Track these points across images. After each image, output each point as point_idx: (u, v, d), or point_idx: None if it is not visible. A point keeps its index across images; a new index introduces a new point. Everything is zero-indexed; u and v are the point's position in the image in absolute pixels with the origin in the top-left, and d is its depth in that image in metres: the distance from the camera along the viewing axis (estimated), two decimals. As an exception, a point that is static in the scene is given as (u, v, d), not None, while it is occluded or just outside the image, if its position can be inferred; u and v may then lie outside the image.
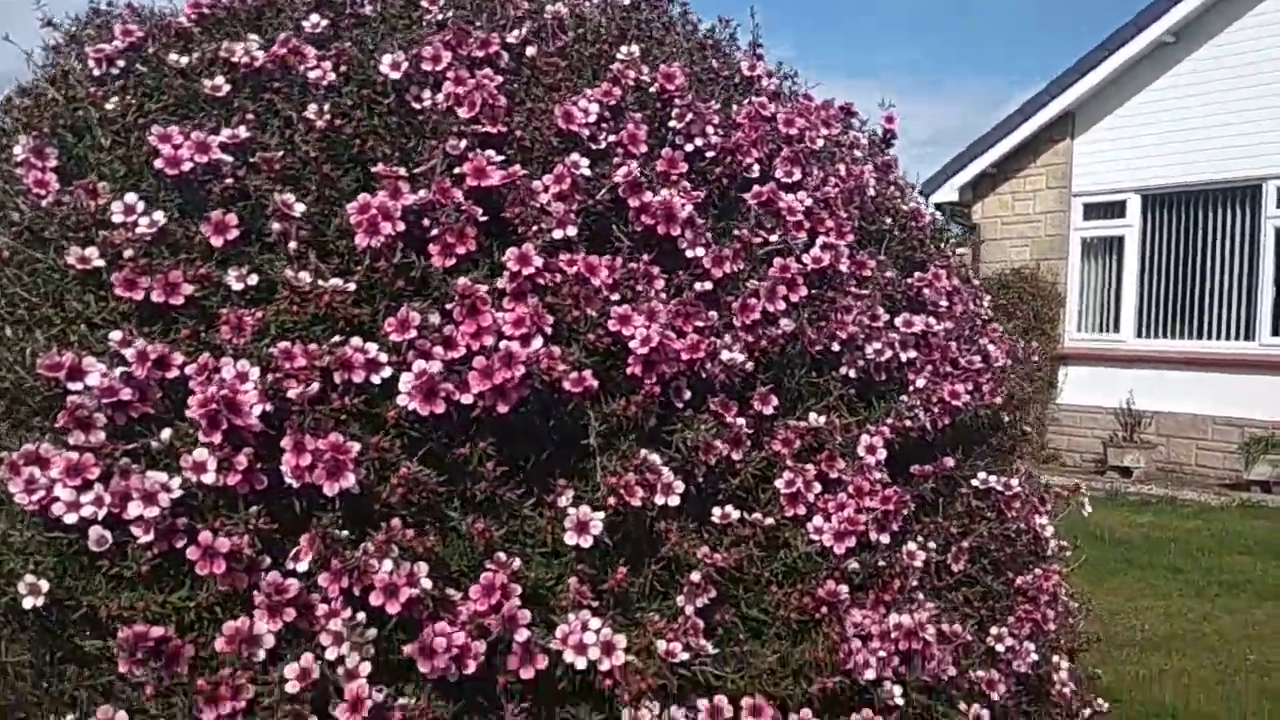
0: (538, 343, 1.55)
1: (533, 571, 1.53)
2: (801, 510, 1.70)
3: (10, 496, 1.39)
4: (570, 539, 1.50)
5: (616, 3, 2.06)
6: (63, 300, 1.57)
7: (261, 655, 1.38)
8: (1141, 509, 9.16)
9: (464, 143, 1.61)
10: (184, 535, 1.39)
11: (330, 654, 1.37)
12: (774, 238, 1.79)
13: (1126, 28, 11.29)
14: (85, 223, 1.59)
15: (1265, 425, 10.21)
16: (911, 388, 1.93)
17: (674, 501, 1.58)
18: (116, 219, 1.55)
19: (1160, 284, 11.63)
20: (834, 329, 1.83)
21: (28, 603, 1.39)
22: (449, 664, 1.37)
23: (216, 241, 1.54)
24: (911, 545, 1.80)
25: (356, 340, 1.48)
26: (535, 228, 1.61)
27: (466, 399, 1.49)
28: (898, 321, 1.94)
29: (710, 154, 1.84)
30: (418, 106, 1.69)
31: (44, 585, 1.39)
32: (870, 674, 1.67)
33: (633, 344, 1.57)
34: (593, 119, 1.72)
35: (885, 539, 1.75)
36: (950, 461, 1.89)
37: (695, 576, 1.59)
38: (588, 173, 1.66)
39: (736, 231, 1.77)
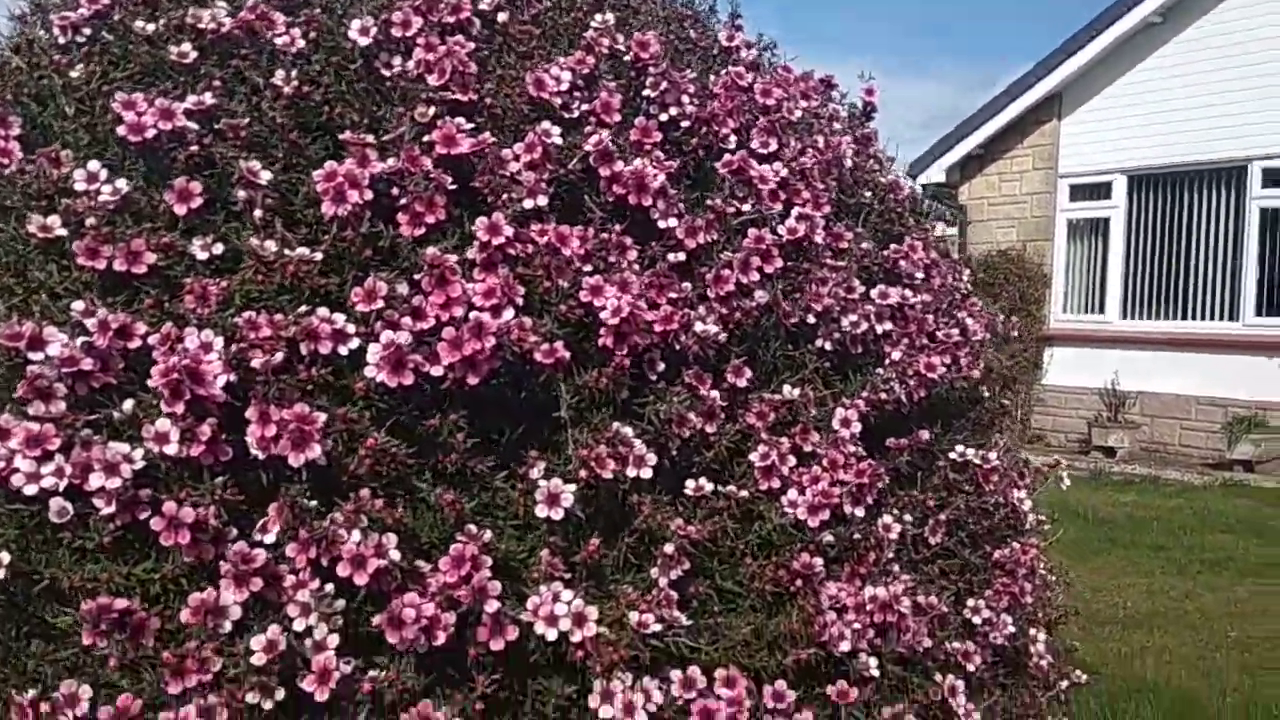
0: (509, 314, 1.53)
1: (504, 544, 1.52)
2: (776, 483, 1.69)
3: (-30, 467, 1.37)
4: (541, 511, 1.49)
5: (593, -30, 2.04)
6: (25, 270, 1.55)
7: (228, 627, 1.36)
8: (1125, 488, 9.21)
9: (433, 110, 1.59)
10: (148, 507, 1.37)
11: (298, 625, 1.36)
12: (746, 207, 1.77)
13: (1115, 7, 11.29)
14: (48, 191, 1.56)
15: (1248, 405, 10.27)
16: (888, 360, 1.92)
17: (646, 474, 1.56)
18: (79, 187, 1.52)
19: (1145, 265, 11.67)
20: (809, 301, 1.82)
21: (-11, 575, 1.37)
22: (418, 635, 1.36)
23: (180, 209, 1.51)
24: (887, 518, 1.79)
25: (323, 311, 1.46)
26: (505, 197, 1.58)
27: (436, 371, 1.47)
28: (873, 293, 1.93)
29: (685, 124, 1.82)
30: (387, 73, 1.66)
31: (5, 558, 1.37)
32: (845, 646, 1.67)
33: (603, 315, 1.55)
34: (565, 87, 1.70)
35: (860, 512, 1.74)
36: (926, 434, 1.88)
37: (669, 549, 1.58)
38: (559, 141, 1.64)
39: (710, 201, 1.75)
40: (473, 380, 1.49)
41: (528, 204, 1.60)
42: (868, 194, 2.19)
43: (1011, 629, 1.99)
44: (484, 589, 1.41)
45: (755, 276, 1.75)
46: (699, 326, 1.68)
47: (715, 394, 1.68)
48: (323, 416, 1.39)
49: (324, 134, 1.64)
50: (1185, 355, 10.88)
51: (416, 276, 1.51)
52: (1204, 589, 5.96)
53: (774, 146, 1.90)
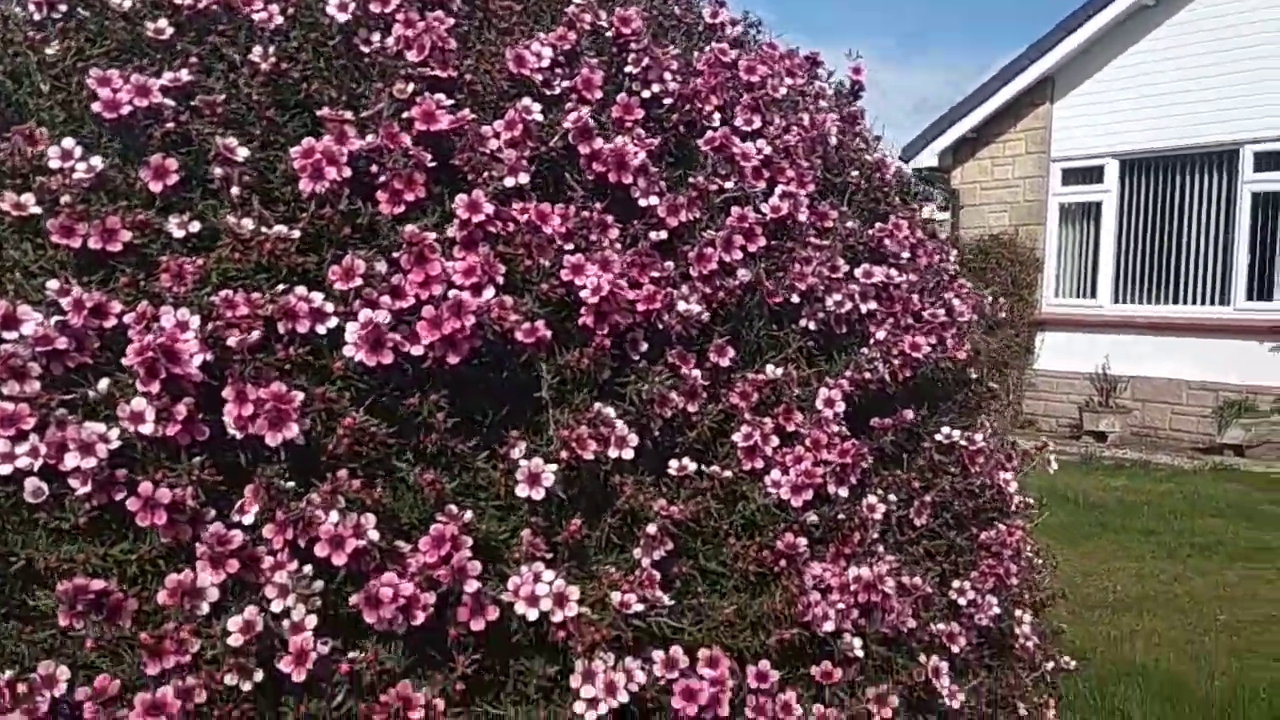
0: (489, 292, 1.52)
1: (485, 525, 1.51)
2: (759, 463, 1.69)
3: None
4: (522, 491, 1.48)
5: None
6: (-1, 249, 1.53)
7: (205, 608, 1.35)
8: (1116, 473, 9.23)
9: (412, 86, 1.57)
10: (124, 487, 1.36)
11: (275, 607, 1.35)
12: (729, 185, 1.76)
13: (1107, -10, 11.26)
14: (22, 169, 1.54)
15: (1239, 389, 10.30)
16: (872, 340, 1.91)
17: (628, 454, 1.55)
18: (53, 165, 1.50)
19: (1137, 249, 11.67)
20: (793, 280, 1.81)
21: (-36, 555, 1.36)
22: (395, 615, 1.35)
23: (156, 187, 1.49)
24: (871, 498, 1.78)
25: (301, 289, 1.44)
26: (486, 175, 1.57)
27: (416, 350, 1.46)
28: (857, 272, 1.92)
29: (668, 101, 1.80)
30: (366, 50, 1.64)
31: (-20, 538, 1.35)
32: (829, 626, 1.66)
33: (584, 294, 1.54)
34: (546, 64, 1.68)
35: (844, 492, 1.74)
36: (910, 414, 1.87)
37: (651, 529, 1.57)
38: (540, 118, 1.62)
39: (692, 179, 1.74)
40: (453, 360, 1.47)
41: (509, 182, 1.58)
42: (854, 173, 2.17)
43: (997, 610, 1.99)
44: (463, 569, 1.40)
45: (738, 255, 1.73)
46: (681, 306, 1.66)
47: (698, 374, 1.67)
48: (300, 395, 1.37)
49: (302, 111, 1.62)
50: (1176, 340, 10.90)
51: (396, 255, 1.49)
52: (1193, 573, 5.98)
53: (758, 124, 1.88)
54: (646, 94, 1.78)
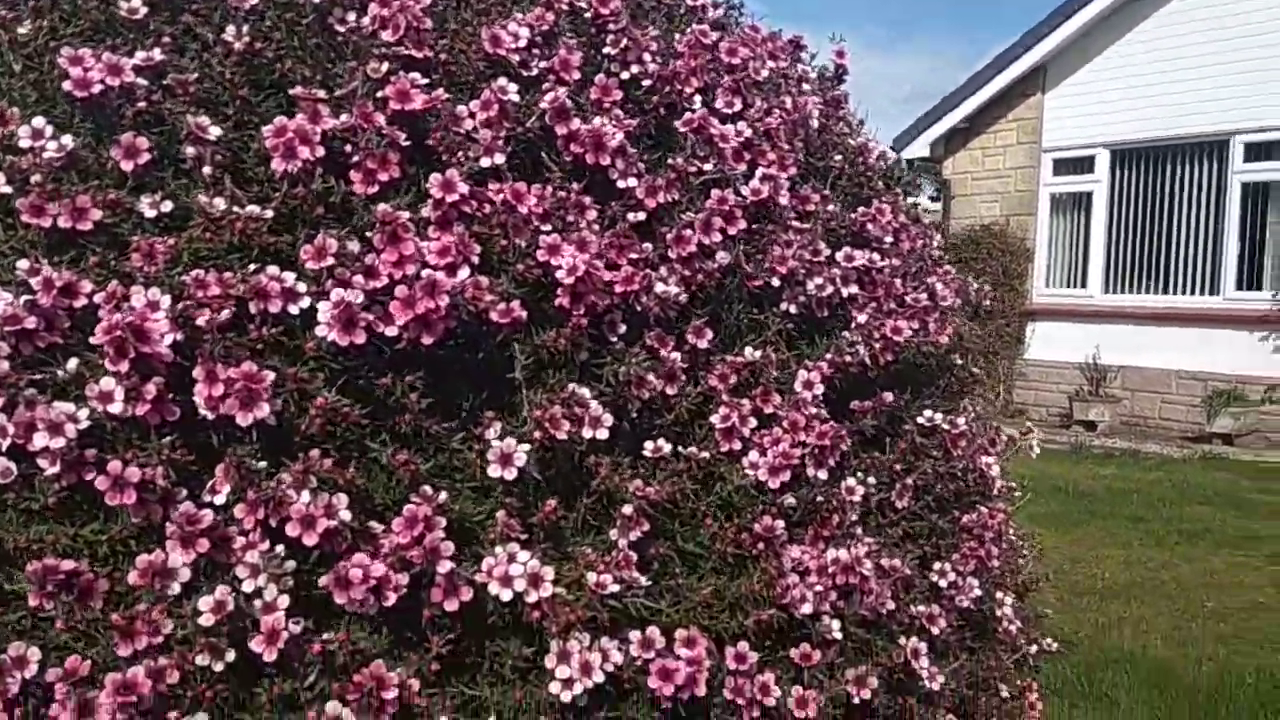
0: (464, 273, 1.51)
1: (460, 505, 1.50)
2: (737, 445, 1.68)
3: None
4: (494, 471, 1.47)
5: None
6: (-31, 229, 1.52)
7: (176, 589, 1.34)
8: (1105, 461, 9.26)
9: (386, 66, 1.56)
10: (94, 467, 1.35)
11: (247, 587, 1.34)
12: (709, 166, 1.75)
13: (1099, -20, 11.25)
14: (-8, 149, 1.53)
15: (1228, 379, 10.33)
16: (853, 323, 1.91)
17: (602, 435, 1.55)
18: (23, 144, 1.49)
19: (1128, 239, 11.68)
20: (773, 263, 1.80)
21: (-67, 537, 1.35)
22: (366, 595, 1.34)
23: (127, 166, 1.48)
24: (850, 481, 1.78)
25: (273, 269, 1.43)
26: (461, 155, 1.56)
27: (390, 331, 1.45)
28: (839, 256, 1.91)
29: (647, 82, 1.79)
30: (340, 29, 1.63)
31: (-51, 519, 1.34)
32: (807, 608, 1.66)
33: (559, 274, 1.53)
34: (523, 44, 1.67)
35: (823, 474, 1.73)
36: (889, 396, 1.87)
37: (627, 510, 1.56)
38: (516, 99, 1.61)
39: (671, 161, 1.73)
40: (427, 340, 1.46)
41: (484, 162, 1.57)
42: (837, 157, 2.16)
43: (978, 592, 1.99)
44: (436, 550, 1.39)
45: (717, 237, 1.72)
46: (660, 287, 1.66)
47: (676, 356, 1.66)
48: (271, 375, 1.36)
49: (276, 91, 1.60)
50: (1166, 329, 10.92)
51: (369, 235, 1.48)
52: (1181, 560, 6.00)
53: (739, 106, 1.87)
54: (625, 75, 1.77)
